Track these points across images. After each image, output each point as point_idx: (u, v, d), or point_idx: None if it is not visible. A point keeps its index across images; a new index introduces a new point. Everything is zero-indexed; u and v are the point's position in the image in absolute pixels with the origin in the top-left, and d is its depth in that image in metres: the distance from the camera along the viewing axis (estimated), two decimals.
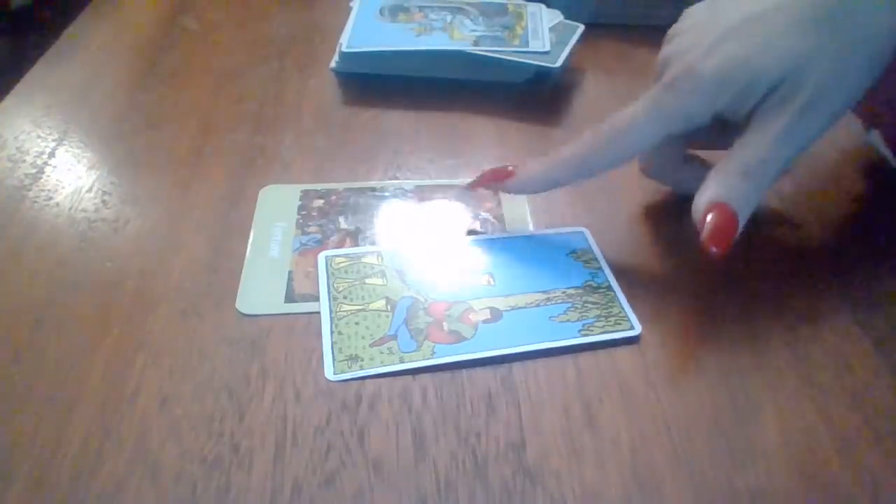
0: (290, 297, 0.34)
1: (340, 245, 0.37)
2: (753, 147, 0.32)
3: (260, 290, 0.34)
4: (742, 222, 0.32)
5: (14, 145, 0.44)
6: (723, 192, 0.32)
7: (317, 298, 0.34)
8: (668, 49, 0.36)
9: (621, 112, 0.34)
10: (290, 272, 0.35)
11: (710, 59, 0.33)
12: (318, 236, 0.37)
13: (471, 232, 0.38)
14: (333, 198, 0.40)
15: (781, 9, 0.33)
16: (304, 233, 0.38)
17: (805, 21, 0.32)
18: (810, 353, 0.32)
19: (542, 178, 0.36)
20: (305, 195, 0.40)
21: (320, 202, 0.40)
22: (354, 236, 0.37)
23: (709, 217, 0.32)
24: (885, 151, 0.46)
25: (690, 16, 0.37)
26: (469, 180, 0.41)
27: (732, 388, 0.30)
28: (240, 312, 0.33)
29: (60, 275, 0.35)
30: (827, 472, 0.27)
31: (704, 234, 0.31)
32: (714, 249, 0.31)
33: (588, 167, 0.35)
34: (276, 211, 0.39)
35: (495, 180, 0.37)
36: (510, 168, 0.37)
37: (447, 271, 0.35)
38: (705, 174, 0.34)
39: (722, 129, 0.35)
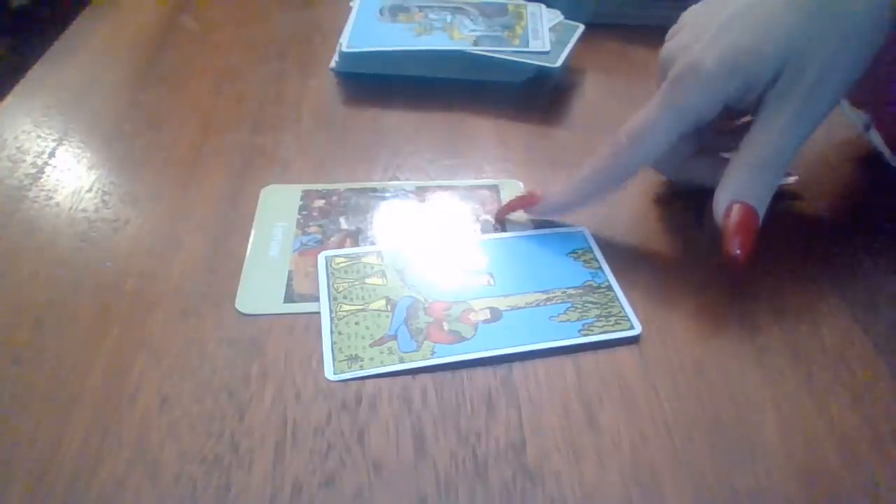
0: (289, 297, 0.34)
1: (341, 245, 0.37)
2: (767, 137, 0.33)
3: (259, 290, 0.34)
4: (762, 214, 0.33)
5: (14, 145, 0.44)
6: (742, 187, 0.33)
7: (317, 298, 0.34)
8: (669, 46, 0.36)
9: (633, 118, 0.35)
10: (290, 272, 0.35)
11: (713, 50, 0.33)
12: (319, 236, 0.37)
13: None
14: (334, 198, 0.40)
15: None
16: (304, 233, 0.38)
17: (802, 5, 0.32)
18: (810, 353, 0.32)
19: (571, 197, 0.37)
20: (306, 195, 0.40)
21: (321, 202, 0.40)
22: (355, 236, 0.37)
23: (731, 215, 0.33)
24: (885, 149, 0.46)
25: (688, 13, 0.37)
26: (469, 181, 0.41)
27: (732, 388, 0.30)
28: (239, 312, 0.33)
29: (60, 275, 0.35)
30: (827, 472, 0.27)
31: (727, 232, 0.32)
32: (738, 251, 0.32)
33: (612, 178, 0.36)
34: (276, 211, 0.39)
35: (522, 207, 0.38)
36: (537, 194, 0.37)
37: (447, 271, 0.35)
38: (715, 166, 0.34)
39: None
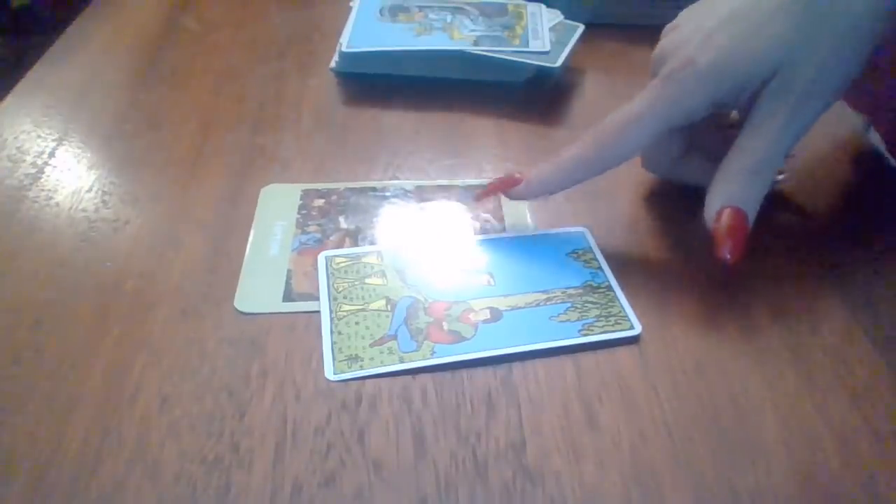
0: (288, 297, 0.34)
1: (340, 244, 0.37)
2: (758, 142, 0.33)
3: (258, 289, 0.34)
4: (752, 219, 0.33)
5: (14, 145, 0.44)
6: (733, 192, 0.33)
7: (315, 298, 0.34)
8: (663, 43, 0.37)
9: (621, 109, 0.35)
10: (288, 271, 0.35)
11: (706, 50, 0.33)
12: (318, 235, 0.37)
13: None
14: (334, 197, 0.40)
15: None
16: (303, 232, 0.38)
17: (796, 7, 0.32)
18: (810, 353, 0.32)
19: (549, 181, 0.37)
20: (306, 194, 0.40)
21: (321, 202, 0.40)
22: (354, 236, 0.37)
23: (721, 220, 0.33)
24: (884, 150, 0.46)
25: (685, 13, 0.38)
26: (468, 182, 0.41)
27: (732, 388, 0.30)
28: (238, 311, 0.33)
29: (60, 275, 0.35)
30: (827, 472, 0.27)
31: (718, 236, 0.33)
32: (728, 256, 0.32)
33: (593, 166, 0.36)
34: (276, 210, 0.39)
35: (503, 189, 0.38)
36: (517, 175, 0.37)
37: (447, 271, 0.35)
38: (705, 167, 0.34)
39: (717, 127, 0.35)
